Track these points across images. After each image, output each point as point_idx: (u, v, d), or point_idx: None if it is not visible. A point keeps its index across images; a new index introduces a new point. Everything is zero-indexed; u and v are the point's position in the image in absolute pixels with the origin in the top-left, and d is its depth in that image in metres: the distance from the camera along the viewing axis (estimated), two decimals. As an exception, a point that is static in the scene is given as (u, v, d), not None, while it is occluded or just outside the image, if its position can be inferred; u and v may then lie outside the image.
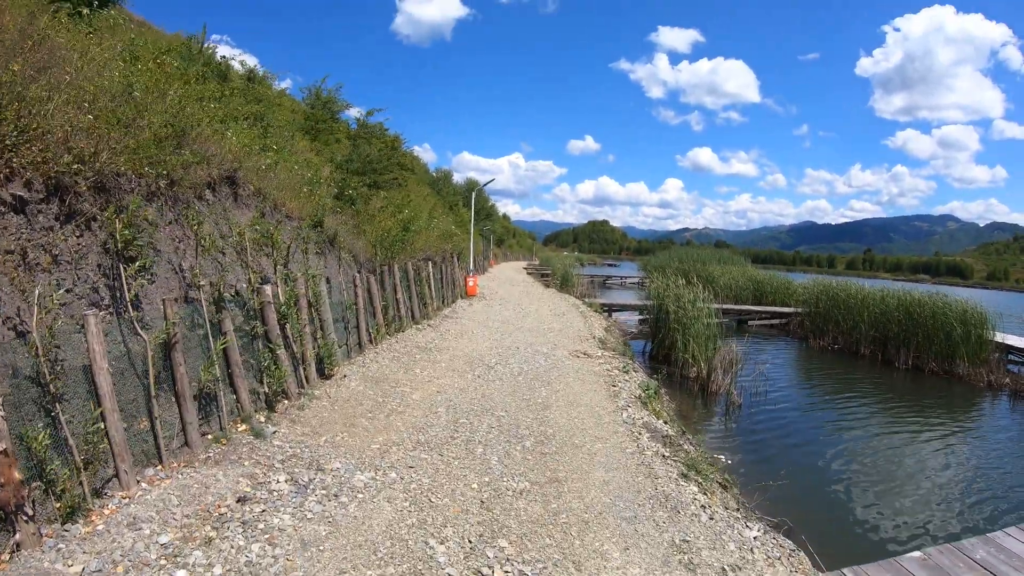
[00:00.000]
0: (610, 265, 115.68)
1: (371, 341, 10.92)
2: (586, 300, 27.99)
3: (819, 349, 22.19)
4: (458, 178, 55.61)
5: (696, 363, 14.62)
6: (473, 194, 27.27)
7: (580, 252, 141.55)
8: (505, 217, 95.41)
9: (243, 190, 8.75)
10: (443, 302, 18.19)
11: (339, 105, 18.38)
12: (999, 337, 18.49)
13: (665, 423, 8.50)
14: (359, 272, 11.59)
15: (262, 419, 6.45)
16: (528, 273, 45.87)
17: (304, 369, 7.92)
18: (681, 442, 7.62)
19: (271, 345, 7.06)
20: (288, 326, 7.59)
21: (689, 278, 19.09)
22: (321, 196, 11.01)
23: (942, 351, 18.04)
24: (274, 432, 6.14)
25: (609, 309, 25.95)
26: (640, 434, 7.26)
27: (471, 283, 22.03)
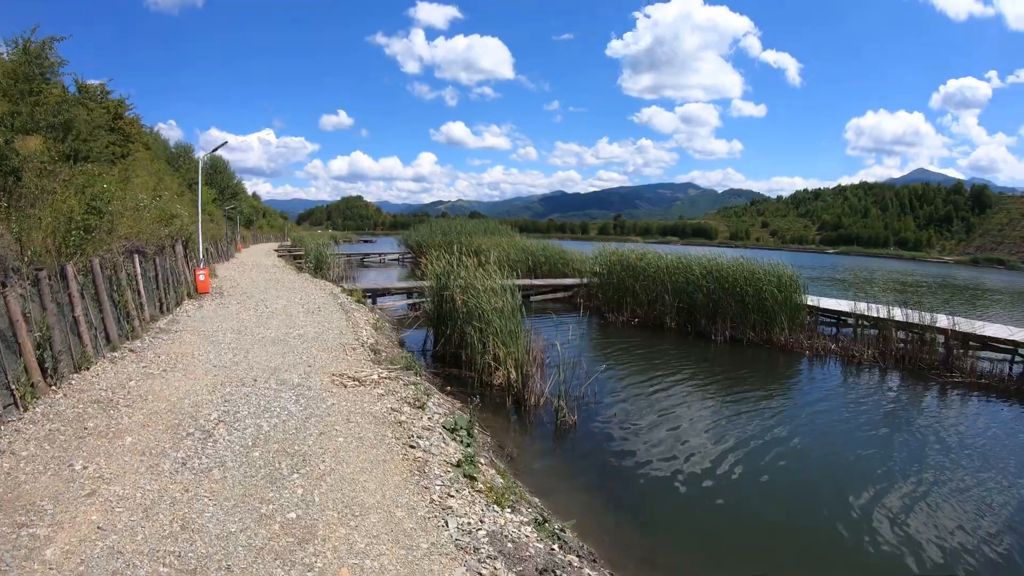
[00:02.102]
0: (366, 242, 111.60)
1: (16, 403, 6.75)
2: (344, 285, 24.71)
3: (620, 325, 20.65)
4: (203, 155, 48.42)
5: (502, 367, 12.05)
6: (200, 162, 21.80)
7: (335, 230, 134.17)
8: (255, 196, 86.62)
9: None
10: (160, 308, 13.58)
11: (50, 62, 13.00)
12: (811, 300, 18.74)
13: (511, 511, 5.89)
14: (1, 286, 7.24)
15: None
16: (279, 256, 40.60)
17: None
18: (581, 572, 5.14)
19: None
20: None
21: (480, 256, 16.12)
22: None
23: (761, 319, 17.54)
24: None
25: (373, 295, 23.02)
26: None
27: (201, 277, 17.37)
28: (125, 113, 17.50)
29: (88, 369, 8.70)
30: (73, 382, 8.06)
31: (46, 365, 7.59)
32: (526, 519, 5.88)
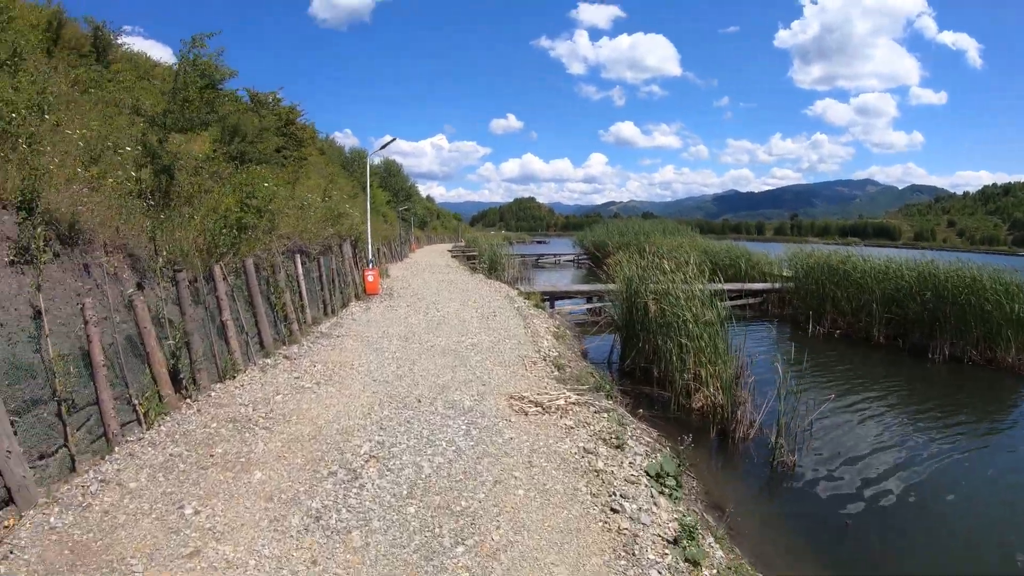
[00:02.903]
0: (540, 242, 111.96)
1: (138, 420, 5.95)
2: (520, 287, 23.40)
3: (820, 336, 17.67)
4: (377, 160, 51.58)
5: (704, 388, 9.85)
6: (368, 160, 21.92)
7: (508, 230, 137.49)
8: (429, 199, 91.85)
9: None
10: (324, 311, 13.17)
11: (220, 72, 13.35)
12: None
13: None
14: (137, 288, 6.62)
15: None
16: (453, 256, 41.09)
17: None
18: None
19: None
20: None
21: (675, 258, 14.00)
22: (38, 160, 5.88)
23: (985, 334, 14.66)
24: None
25: (551, 298, 21.21)
26: None
27: (370, 278, 17.06)
28: (297, 119, 17.83)
29: (234, 378, 7.96)
30: (213, 394, 7.27)
31: (181, 376, 6.84)
32: None
